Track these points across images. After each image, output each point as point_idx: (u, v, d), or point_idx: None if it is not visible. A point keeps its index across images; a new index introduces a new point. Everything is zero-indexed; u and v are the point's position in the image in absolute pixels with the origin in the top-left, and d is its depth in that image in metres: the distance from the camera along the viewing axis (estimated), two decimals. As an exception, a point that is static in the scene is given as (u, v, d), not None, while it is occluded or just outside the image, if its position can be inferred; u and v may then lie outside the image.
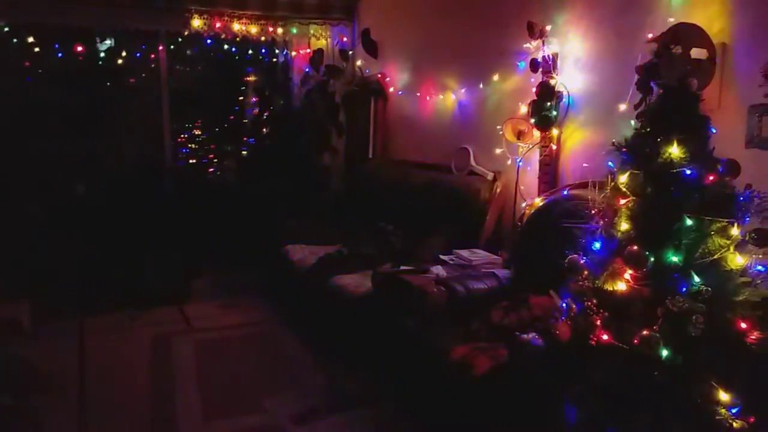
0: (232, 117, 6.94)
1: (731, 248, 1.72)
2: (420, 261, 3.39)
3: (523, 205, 3.37)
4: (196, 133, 6.94)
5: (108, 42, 5.64)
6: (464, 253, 3.39)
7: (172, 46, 5.48)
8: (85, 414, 2.97)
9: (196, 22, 5.14)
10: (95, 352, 3.67)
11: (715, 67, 2.22)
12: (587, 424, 1.92)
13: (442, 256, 3.40)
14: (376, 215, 4.53)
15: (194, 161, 6.90)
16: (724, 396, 1.68)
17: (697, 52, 2.04)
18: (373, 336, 3.22)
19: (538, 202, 3.14)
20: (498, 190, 3.67)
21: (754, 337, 1.68)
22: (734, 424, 1.65)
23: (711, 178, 1.72)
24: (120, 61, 5.53)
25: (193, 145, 6.91)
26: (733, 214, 1.73)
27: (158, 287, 4.64)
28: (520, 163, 3.48)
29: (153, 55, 5.48)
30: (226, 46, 5.51)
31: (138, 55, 5.52)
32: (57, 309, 4.21)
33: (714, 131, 1.78)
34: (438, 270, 3.22)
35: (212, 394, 3.15)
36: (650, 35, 2.56)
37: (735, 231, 1.72)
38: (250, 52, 5.69)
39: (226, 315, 4.37)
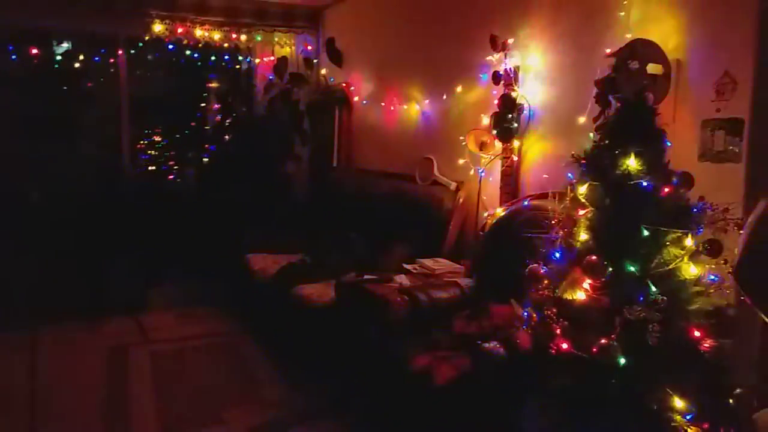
0: (193, 123, 6.84)
1: (685, 258, 1.77)
2: (384, 270, 3.39)
3: (485, 214, 3.40)
4: (157, 139, 6.82)
5: (65, 45, 5.49)
6: (427, 262, 3.40)
7: (132, 51, 5.37)
8: (36, 430, 2.86)
9: (158, 27, 5.07)
10: (47, 364, 3.54)
11: (670, 82, 2.29)
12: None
13: (405, 266, 3.41)
14: (340, 224, 4.51)
15: (154, 168, 6.77)
16: (679, 403, 1.71)
17: (653, 68, 2.10)
18: (336, 346, 3.19)
19: (500, 212, 3.18)
20: (461, 200, 3.69)
21: (707, 344, 1.73)
22: (689, 431, 1.69)
23: (666, 190, 1.77)
24: (77, 65, 5.39)
25: (153, 152, 6.78)
26: (688, 225, 1.78)
27: (115, 297, 4.52)
28: (483, 174, 3.52)
29: (112, 60, 5.36)
30: (188, 52, 5.42)
31: (96, 59, 5.39)
32: (8, 319, 4.05)
33: (669, 144, 1.83)
34: (401, 279, 3.22)
35: (170, 407, 3.07)
36: (608, 50, 2.63)
37: (689, 241, 1.77)
38: (212, 58, 5.62)
39: (185, 325, 4.28)
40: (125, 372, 3.47)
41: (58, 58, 5.44)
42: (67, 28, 5.15)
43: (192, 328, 4.22)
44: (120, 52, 5.27)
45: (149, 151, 6.76)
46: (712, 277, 1.81)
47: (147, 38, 5.19)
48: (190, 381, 3.38)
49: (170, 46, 5.32)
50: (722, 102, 2.32)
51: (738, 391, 1.73)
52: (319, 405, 3.09)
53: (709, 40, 2.35)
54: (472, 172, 3.62)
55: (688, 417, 1.73)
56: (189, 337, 4.05)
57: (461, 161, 3.69)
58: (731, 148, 2.29)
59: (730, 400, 1.73)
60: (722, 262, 1.77)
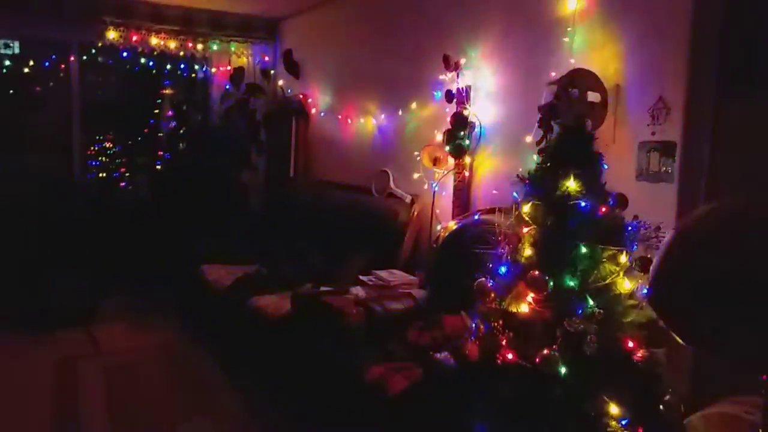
0: (146, 130, 6.75)
1: (621, 274, 1.90)
2: (340, 282, 3.44)
3: (439, 227, 3.50)
4: (108, 145, 6.69)
5: (14, 49, 5.37)
6: (383, 273, 3.47)
7: (84, 57, 5.29)
8: (-21, 447, 2.79)
9: (111, 34, 5.00)
10: (-8, 379, 3.45)
11: (607, 110, 2.44)
12: (496, 439, 2.04)
13: (361, 277, 3.47)
14: (296, 235, 4.55)
15: (105, 175, 6.65)
16: (614, 409, 1.83)
17: (591, 96, 2.24)
18: (292, 358, 3.22)
19: (452, 225, 3.28)
20: (415, 213, 3.79)
21: (640, 354, 1.85)
22: (623, 435, 1.81)
23: (603, 209, 1.89)
24: (27, 70, 5.27)
25: (105, 158, 6.65)
26: (622, 243, 1.91)
27: (64, 307, 4.42)
28: (436, 188, 3.62)
29: (63, 65, 5.26)
30: (143, 60, 5.37)
31: (47, 64, 5.29)
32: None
33: (606, 167, 1.96)
34: (357, 291, 3.28)
35: (122, 422, 3.04)
36: (553, 74, 2.77)
37: (624, 258, 1.90)
38: (168, 66, 5.58)
39: (138, 337, 4.22)
40: (75, 386, 3.41)
41: (6, 62, 5.31)
42: (16, 33, 5.04)
43: (145, 339, 4.17)
44: (72, 58, 5.19)
45: (101, 158, 6.64)
46: (645, 291, 1.94)
47: (100, 45, 5.12)
48: (143, 394, 3.35)
49: (124, 54, 5.26)
50: (657, 126, 2.49)
51: (668, 397, 1.86)
52: (274, 418, 3.11)
53: (644, 67, 2.52)
54: (426, 186, 3.72)
55: (623, 422, 1.85)
56: (142, 349, 4.00)
57: (416, 175, 3.79)
58: (665, 169, 2.46)
59: (661, 407, 1.85)
60: (654, 277, 1.90)
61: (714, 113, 2.37)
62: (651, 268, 0.94)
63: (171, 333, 4.30)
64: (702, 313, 0.87)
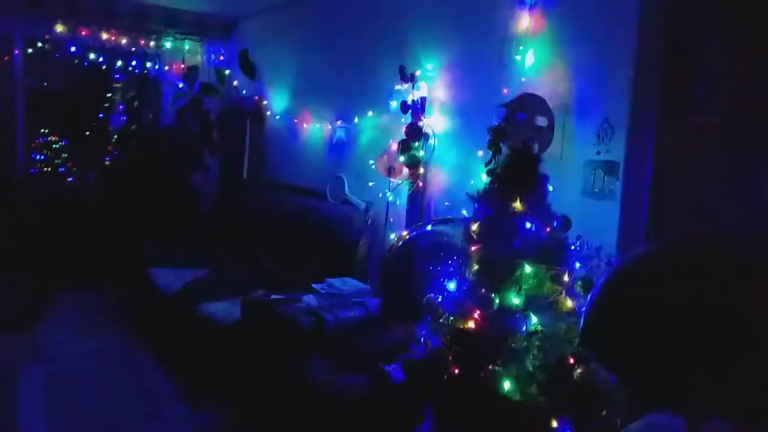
0: (95, 125, 6.55)
1: (563, 293, 1.96)
2: (292, 289, 3.42)
3: (392, 236, 3.53)
4: (53, 139, 6.47)
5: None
6: (336, 282, 3.47)
7: (30, 50, 5.10)
8: None
9: (59, 28, 4.84)
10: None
11: (553, 133, 2.50)
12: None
13: (314, 285, 3.46)
14: (248, 239, 4.51)
15: (50, 169, 6.43)
16: (554, 423, 1.90)
17: (539, 120, 2.31)
18: (241, 366, 3.20)
19: (405, 234, 3.31)
20: (370, 221, 3.81)
21: (579, 371, 1.93)
22: (562, 448, 1.88)
23: (547, 230, 1.96)
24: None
25: (50, 152, 6.44)
26: (565, 263, 1.98)
27: (4, 309, 4.26)
28: (390, 197, 3.65)
29: (7, 57, 5.06)
30: (92, 56, 5.22)
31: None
32: None
33: (552, 189, 2.03)
34: (309, 299, 3.28)
35: None
36: (505, 90, 2.84)
37: (566, 278, 1.97)
38: (119, 63, 5.44)
39: (82, 342, 4.10)
40: (14, 395, 3.29)
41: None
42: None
43: (89, 344, 4.05)
44: (16, 51, 4.99)
45: (46, 151, 6.42)
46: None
47: (47, 37, 4.95)
48: (87, 403, 3.26)
49: (72, 48, 5.10)
50: (602, 145, 2.58)
51: (604, 412, 1.94)
52: (221, 427, 3.08)
53: (591, 88, 2.60)
54: (380, 194, 3.75)
55: (562, 434, 1.92)
56: (85, 354, 3.89)
57: (371, 183, 3.81)
58: (609, 187, 2.55)
59: (597, 421, 1.93)
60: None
61: (656, 134, 2.48)
62: (583, 312, 0.99)
63: (117, 338, 4.19)
64: (626, 360, 0.93)
